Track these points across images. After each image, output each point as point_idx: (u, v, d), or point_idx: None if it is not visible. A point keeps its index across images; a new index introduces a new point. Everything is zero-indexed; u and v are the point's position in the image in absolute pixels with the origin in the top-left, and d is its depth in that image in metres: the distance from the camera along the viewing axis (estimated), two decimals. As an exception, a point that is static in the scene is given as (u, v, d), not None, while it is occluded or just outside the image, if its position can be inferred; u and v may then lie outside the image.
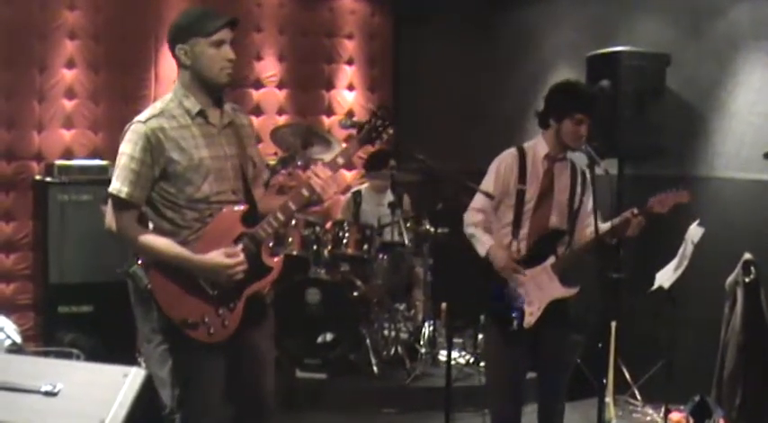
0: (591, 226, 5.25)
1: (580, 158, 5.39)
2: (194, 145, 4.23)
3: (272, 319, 4.58)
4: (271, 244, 4.70)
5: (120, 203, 4.20)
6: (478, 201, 5.51)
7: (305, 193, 4.31)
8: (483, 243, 5.39)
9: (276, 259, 4.38)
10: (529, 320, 5.29)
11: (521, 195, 5.39)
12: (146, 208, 4.27)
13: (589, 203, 5.36)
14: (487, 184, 5.48)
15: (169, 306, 4.22)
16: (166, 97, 4.32)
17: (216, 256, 4.18)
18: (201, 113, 4.27)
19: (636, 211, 5.20)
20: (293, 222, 7.80)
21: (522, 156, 5.44)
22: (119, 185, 4.18)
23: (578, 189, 5.38)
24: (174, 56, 4.28)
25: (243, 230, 4.28)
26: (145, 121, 4.19)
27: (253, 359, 4.44)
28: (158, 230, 4.26)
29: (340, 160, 4.41)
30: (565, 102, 5.36)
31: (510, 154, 5.50)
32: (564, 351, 5.52)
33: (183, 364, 4.36)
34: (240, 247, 4.24)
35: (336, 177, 4.44)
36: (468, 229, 5.49)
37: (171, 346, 4.40)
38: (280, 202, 4.37)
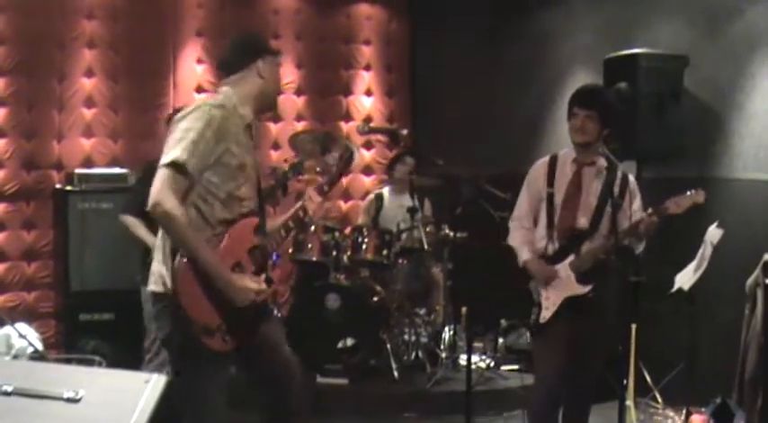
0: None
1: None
2: (245, 149, 4.37)
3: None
4: (290, 250, 4.96)
5: (179, 171, 4.14)
6: (516, 208, 5.77)
7: (300, 213, 4.73)
8: (520, 255, 5.64)
9: (277, 271, 4.58)
10: (544, 315, 5.48)
11: (550, 199, 5.57)
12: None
13: (629, 208, 5.43)
14: (522, 190, 5.75)
15: (192, 309, 4.18)
16: (220, 97, 4.40)
17: (246, 280, 4.28)
18: (250, 126, 4.44)
19: (650, 210, 5.28)
20: (312, 228, 7.84)
21: (552, 162, 5.63)
22: (185, 156, 4.13)
23: (614, 193, 5.38)
24: (244, 66, 4.46)
25: (255, 243, 4.42)
26: (216, 107, 4.27)
27: (265, 347, 4.57)
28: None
29: (326, 187, 4.84)
30: (568, 103, 5.55)
31: (541, 162, 5.71)
32: (592, 347, 5.56)
33: (195, 374, 4.32)
34: (263, 277, 4.40)
35: (323, 202, 4.86)
36: (509, 242, 5.74)
37: (181, 355, 4.34)
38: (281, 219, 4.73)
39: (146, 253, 6.26)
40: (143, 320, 6.79)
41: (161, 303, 4.32)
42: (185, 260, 4.18)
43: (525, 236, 5.65)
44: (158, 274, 4.33)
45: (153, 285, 4.35)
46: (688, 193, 5.26)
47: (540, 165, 5.67)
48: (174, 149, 4.15)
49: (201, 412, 4.34)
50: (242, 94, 4.43)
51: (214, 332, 4.23)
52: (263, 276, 4.39)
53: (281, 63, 4.61)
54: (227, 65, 4.53)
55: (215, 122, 4.21)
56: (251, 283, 4.29)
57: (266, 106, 4.59)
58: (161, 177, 4.14)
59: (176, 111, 6.83)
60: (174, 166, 4.13)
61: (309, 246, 7.96)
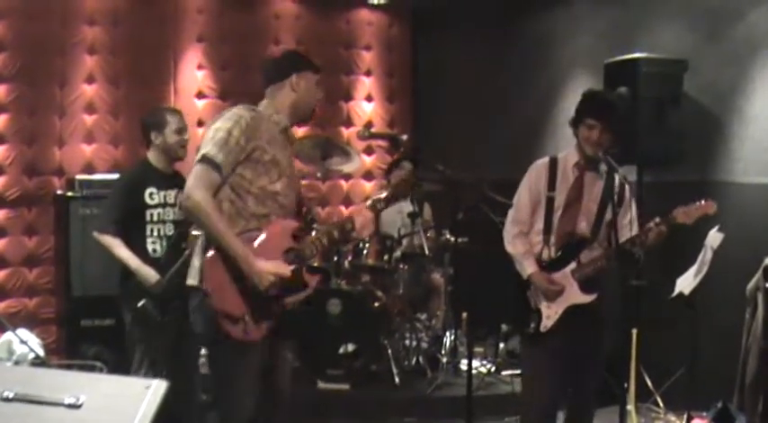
0: (623, 237, 5.33)
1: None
2: (278, 147, 4.60)
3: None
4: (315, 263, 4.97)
5: (210, 166, 4.40)
6: (511, 213, 5.64)
7: (348, 226, 4.81)
8: (525, 268, 5.49)
9: (314, 277, 4.70)
10: (546, 324, 5.42)
11: (550, 202, 5.48)
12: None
13: (627, 215, 5.42)
14: (520, 192, 5.61)
15: (217, 296, 4.39)
16: (260, 106, 4.70)
17: (267, 263, 4.42)
18: (286, 130, 4.69)
19: (658, 220, 5.23)
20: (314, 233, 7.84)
21: (553, 164, 5.54)
22: (214, 151, 4.41)
23: (614, 199, 5.35)
24: (279, 79, 4.72)
25: (292, 245, 4.58)
26: (246, 110, 4.57)
27: (279, 370, 4.74)
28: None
29: (380, 205, 5.03)
30: (579, 108, 5.48)
31: (541, 163, 5.60)
32: (594, 354, 5.55)
33: (225, 363, 4.54)
34: (292, 268, 4.51)
35: (374, 219, 4.99)
36: (508, 248, 5.60)
37: (213, 344, 4.58)
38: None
39: (124, 273, 6.08)
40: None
41: (198, 297, 4.52)
42: (214, 251, 4.40)
43: (524, 242, 5.53)
44: (197, 268, 4.53)
45: (191, 279, 4.56)
46: (697, 203, 5.23)
47: (541, 166, 5.57)
48: (205, 147, 4.44)
49: (231, 399, 4.51)
50: (277, 104, 4.70)
51: (237, 321, 4.40)
52: (291, 267, 4.51)
53: (320, 79, 4.81)
54: (265, 76, 4.81)
55: (243, 122, 4.47)
56: (270, 266, 4.42)
57: (300, 117, 4.81)
58: (194, 173, 4.43)
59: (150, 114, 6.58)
60: (206, 161, 4.40)
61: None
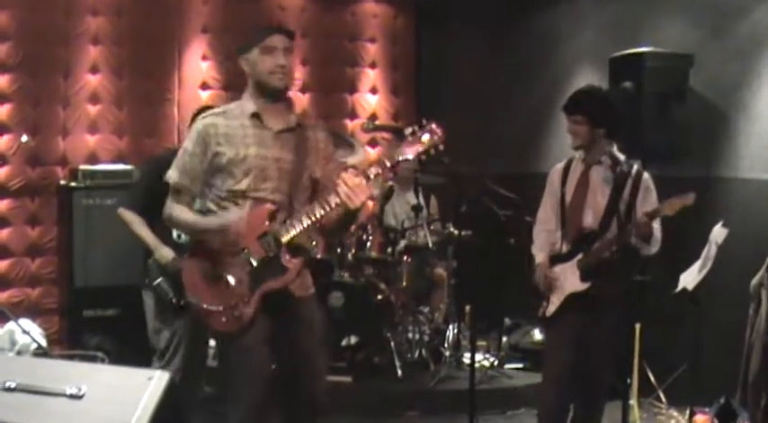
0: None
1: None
2: (243, 142, 4.51)
3: (317, 320, 4.86)
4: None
5: (172, 188, 4.64)
6: (539, 211, 5.88)
7: (332, 200, 4.38)
8: (536, 259, 5.73)
9: (294, 261, 4.53)
10: (549, 309, 5.60)
11: (562, 199, 5.68)
12: (202, 203, 4.68)
13: (646, 203, 5.47)
14: (544, 194, 5.84)
15: (192, 291, 4.58)
16: (235, 102, 4.71)
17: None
18: (256, 116, 4.56)
19: (647, 211, 5.35)
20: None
21: (568, 164, 5.74)
22: (170, 172, 4.64)
23: (625, 193, 5.46)
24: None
25: (267, 229, 4.46)
26: (203, 118, 4.62)
27: (297, 359, 4.67)
28: None
29: (373, 170, 4.46)
30: None
31: (559, 164, 5.82)
32: (597, 345, 5.59)
33: (223, 357, 4.73)
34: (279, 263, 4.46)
35: (366, 186, 4.40)
36: (532, 247, 5.82)
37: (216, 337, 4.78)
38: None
39: (148, 254, 6.15)
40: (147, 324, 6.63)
41: None
42: (187, 254, 4.69)
43: (546, 238, 5.74)
44: None
45: None
46: (678, 195, 5.32)
47: (558, 167, 5.79)
48: (171, 168, 4.67)
49: (231, 393, 4.56)
50: (247, 92, 4.64)
51: (211, 312, 4.48)
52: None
53: (277, 46, 4.51)
54: None
55: (195, 134, 4.58)
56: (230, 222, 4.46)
57: (267, 93, 4.58)
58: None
59: (201, 109, 6.66)
60: (170, 184, 4.65)
61: (314, 243, 7.95)
